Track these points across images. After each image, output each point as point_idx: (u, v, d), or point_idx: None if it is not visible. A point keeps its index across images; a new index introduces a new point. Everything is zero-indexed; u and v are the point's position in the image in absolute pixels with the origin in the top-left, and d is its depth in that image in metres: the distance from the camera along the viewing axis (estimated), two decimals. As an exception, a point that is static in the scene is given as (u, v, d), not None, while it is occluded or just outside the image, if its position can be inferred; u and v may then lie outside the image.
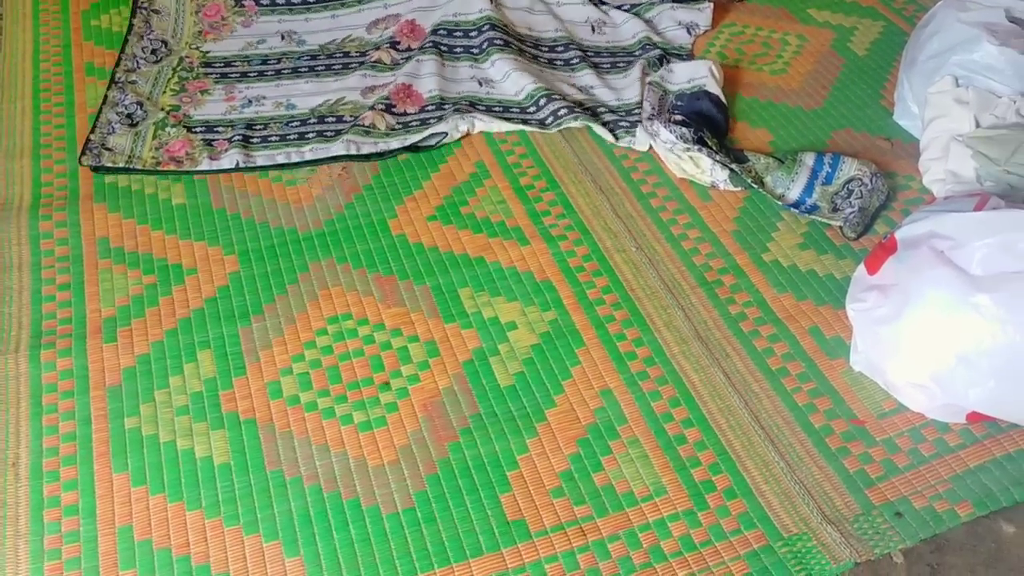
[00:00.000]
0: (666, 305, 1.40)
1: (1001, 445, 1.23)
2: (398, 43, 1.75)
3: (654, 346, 1.35)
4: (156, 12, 1.95)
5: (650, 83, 1.76)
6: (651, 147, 1.66)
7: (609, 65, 1.88)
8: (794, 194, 1.56)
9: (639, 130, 1.67)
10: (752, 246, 1.49)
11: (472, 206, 1.57)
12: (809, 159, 1.60)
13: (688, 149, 1.59)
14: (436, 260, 1.47)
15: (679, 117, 1.66)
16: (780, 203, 1.54)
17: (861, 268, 1.34)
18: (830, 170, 1.58)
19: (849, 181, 1.55)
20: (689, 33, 1.94)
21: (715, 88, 1.74)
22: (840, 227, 1.50)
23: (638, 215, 1.55)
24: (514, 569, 1.10)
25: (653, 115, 1.68)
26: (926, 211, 1.32)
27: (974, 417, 1.23)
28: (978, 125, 1.52)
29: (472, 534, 1.13)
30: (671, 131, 1.60)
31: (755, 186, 1.56)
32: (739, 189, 1.58)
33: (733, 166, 1.56)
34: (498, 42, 1.86)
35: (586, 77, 1.83)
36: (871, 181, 1.55)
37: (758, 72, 1.86)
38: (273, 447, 1.21)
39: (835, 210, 1.52)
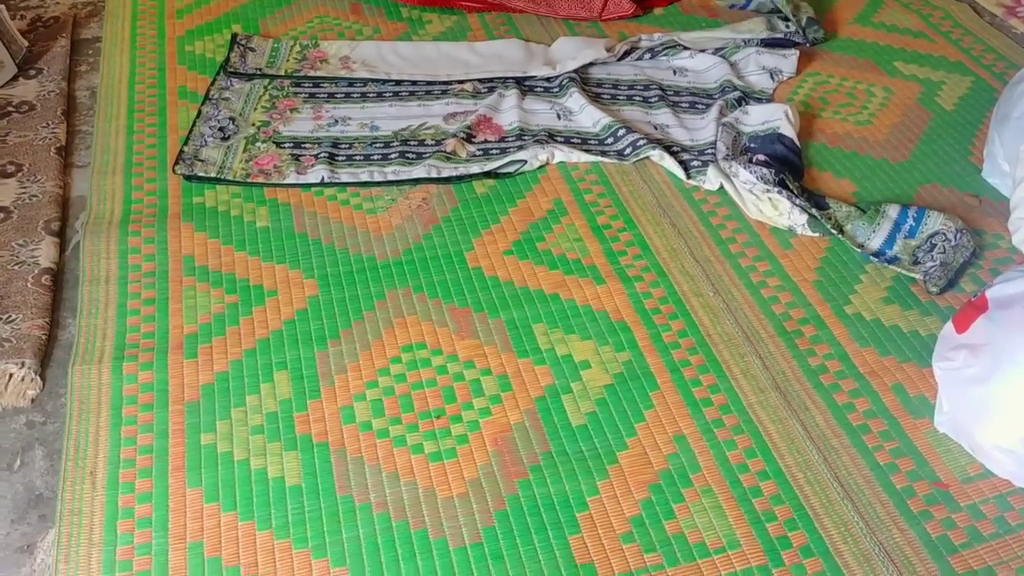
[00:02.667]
0: (743, 353, 1.38)
1: (1094, 519, 1.17)
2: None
3: (730, 394, 1.32)
4: (252, 50, 2.02)
5: (724, 124, 1.76)
6: (722, 186, 1.64)
7: (688, 105, 1.88)
8: (875, 244, 1.53)
9: (711, 168, 1.66)
10: (834, 297, 1.47)
11: (548, 242, 1.57)
12: (893, 211, 1.57)
13: (768, 191, 1.57)
14: (511, 294, 1.47)
15: (761, 157, 1.64)
16: (860, 251, 1.51)
17: (949, 326, 1.31)
18: (914, 223, 1.54)
19: (933, 235, 1.52)
20: (772, 79, 1.93)
21: (789, 131, 1.73)
22: (922, 281, 1.46)
23: (716, 259, 1.53)
24: (581, 613, 1.08)
25: (728, 155, 1.67)
26: (1019, 271, 1.28)
27: (1067, 488, 1.18)
28: (1075, 185, 1.48)
29: (539, 574, 1.11)
30: (751, 171, 1.59)
31: (834, 232, 1.53)
32: (818, 235, 1.56)
33: (813, 211, 1.54)
34: (576, 80, 1.89)
35: (663, 116, 1.84)
36: (955, 237, 1.51)
37: (843, 122, 1.83)
38: (344, 472, 1.22)
39: (916, 263, 1.49)
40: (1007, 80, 1.74)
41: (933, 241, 1.51)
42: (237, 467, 1.22)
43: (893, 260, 1.50)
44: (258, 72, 1.95)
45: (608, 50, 1.98)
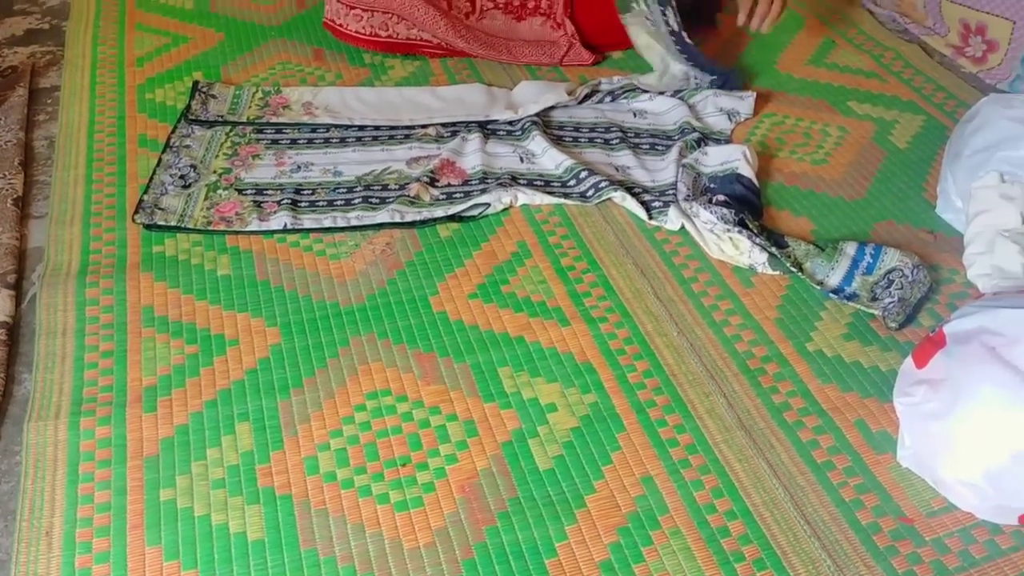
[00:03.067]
0: (708, 392, 1.38)
1: (1057, 550, 1.18)
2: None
3: (696, 433, 1.32)
4: (214, 97, 2.02)
5: (684, 165, 1.78)
6: (683, 226, 1.66)
7: (648, 146, 1.91)
8: (834, 281, 1.56)
9: (672, 209, 1.69)
10: (796, 335, 1.48)
11: (513, 285, 1.57)
12: (851, 248, 1.59)
13: (728, 230, 1.59)
14: (476, 338, 1.47)
15: (721, 198, 1.67)
16: (819, 288, 1.53)
17: (909, 361, 1.32)
18: (871, 260, 1.57)
19: (890, 271, 1.54)
20: (730, 120, 1.96)
21: (748, 171, 1.76)
22: (881, 316, 1.48)
23: (679, 299, 1.55)
24: (551, 663, 1.06)
25: (689, 196, 1.69)
26: (976, 306, 1.31)
27: (1029, 520, 1.19)
28: (1024, 221, 1.51)
29: (508, 624, 1.10)
30: (712, 212, 1.61)
31: (794, 270, 1.55)
32: (778, 273, 1.58)
33: (772, 249, 1.56)
34: (538, 123, 1.91)
35: (624, 157, 1.86)
36: (912, 273, 1.54)
37: (799, 161, 1.87)
38: (308, 524, 1.19)
39: (874, 299, 1.51)
40: (957, 118, 1.78)
41: (891, 277, 1.53)
42: (198, 523, 1.19)
43: (852, 297, 1.52)
44: (220, 119, 1.95)
45: (569, 94, 2.00)
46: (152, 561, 1.15)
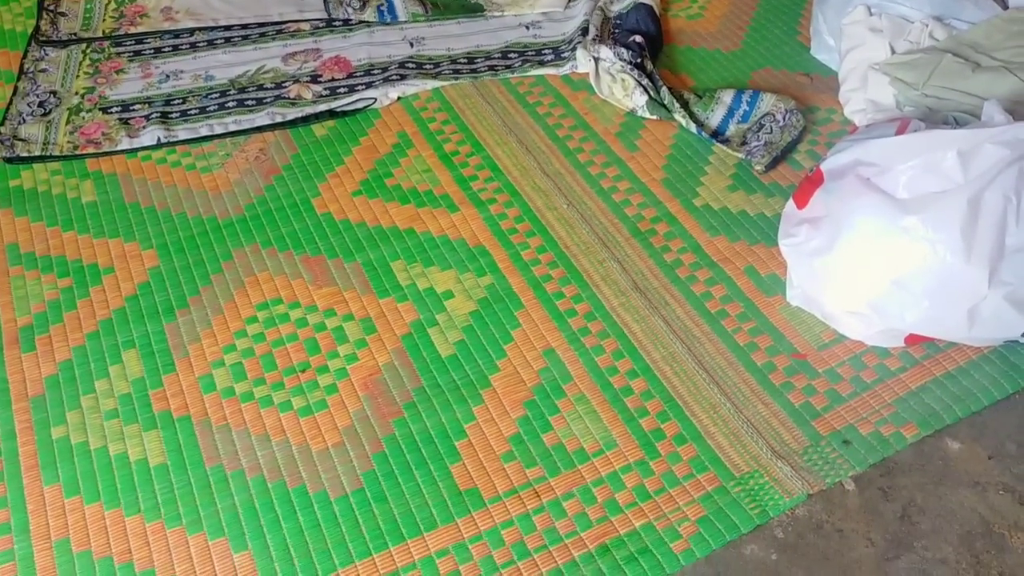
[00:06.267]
0: (602, 259, 1.38)
1: (940, 364, 1.24)
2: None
3: (593, 301, 1.33)
4: (63, 14, 1.87)
5: (596, 9, 1.79)
6: (593, 70, 1.66)
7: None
8: (712, 125, 1.57)
9: (579, 51, 1.68)
10: (682, 192, 1.48)
11: (397, 177, 1.53)
12: (727, 96, 1.60)
13: (623, 69, 1.59)
14: (365, 235, 1.43)
15: (631, 40, 1.67)
16: (699, 131, 1.53)
17: (790, 203, 1.34)
18: (747, 108, 1.58)
19: (763, 117, 1.56)
20: None
21: (648, 0, 1.78)
22: (746, 159, 1.49)
23: (567, 171, 1.53)
24: (470, 538, 1.08)
25: (596, 37, 1.69)
26: (849, 140, 1.32)
27: (912, 339, 1.24)
28: (893, 52, 1.52)
29: (425, 508, 1.11)
30: (613, 51, 1.62)
31: (672, 112, 1.57)
32: (655, 117, 1.58)
33: (651, 92, 1.56)
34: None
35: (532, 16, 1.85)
36: (784, 117, 1.55)
37: (674, 19, 1.84)
38: (211, 442, 1.17)
39: (743, 143, 1.52)
40: (826, -42, 1.77)
41: (762, 122, 1.54)
42: (96, 456, 1.16)
43: (725, 141, 1.54)
44: (74, 38, 1.82)
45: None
46: (52, 499, 1.12)
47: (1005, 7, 1.54)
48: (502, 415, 1.20)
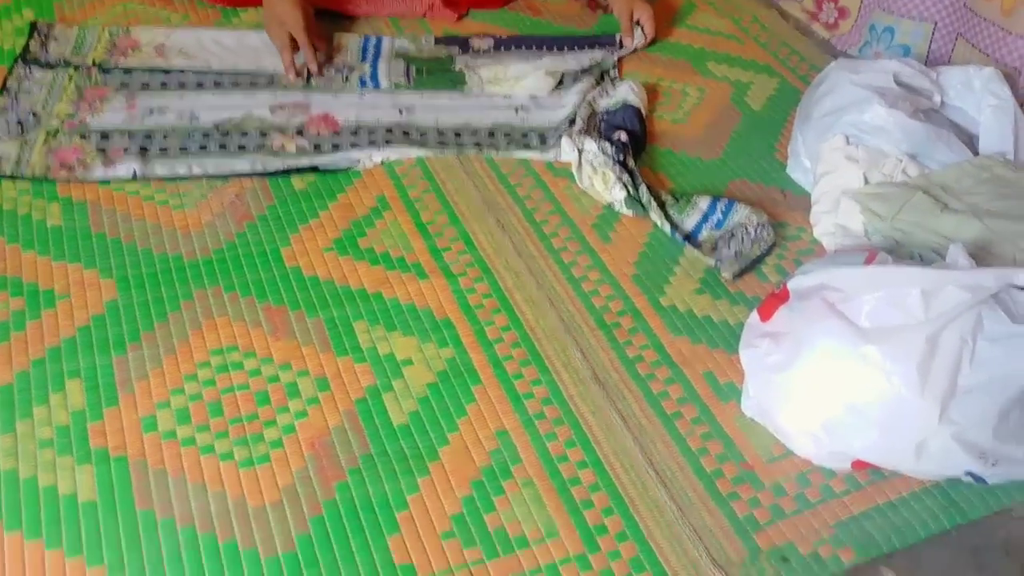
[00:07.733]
0: (565, 346, 1.39)
1: (883, 492, 1.25)
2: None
3: (552, 386, 1.33)
4: (55, 39, 1.87)
5: (586, 102, 1.83)
6: (576, 160, 1.69)
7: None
8: (686, 229, 1.60)
9: (565, 140, 1.71)
10: (650, 289, 1.50)
11: (371, 239, 1.53)
12: (703, 202, 1.64)
13: (605, 164, 1.63)
14: (331, 293, 1.42)
15: (615, 136, 1.71)
16: (673, 232, 1.57)
17: (754, 315, 1.36)
18: (721, 216, 1.61)
19: (735, 227, 1.59)
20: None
21: (636, 102, 1.83)
22: (716, 266, 1.52)
23: (540, 255, 1.54)
24: (399, 616, 1.05)
25: (583, 129, 1.73)
26: (818, 263, 1.36)
27: (859, 465, 1.26)
28: (867, 182, 1.58)
29: (356, 579, 1.08)
30: (598, 145, 1.66)
31: (648, 211, 1.60)
32: (631, 213, 1.61)
33: (630, 189, 1.60)
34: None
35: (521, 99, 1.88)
36: (755, 231, 1.58)
37: (659, 120, 1.89)
38: (145, 485, 1.13)
39: (714, 249, 1.56)
40: (810, 82, 1.84)
41: (734, 232, 1.58)
42: (23, 485, 1.12)
43: (697, 246, 1.57)
44: (62, 62, 1.81)
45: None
46: (-31, 527, 1.07)
47: (975, 153, 1.61)
48: (447, 491, 1.18)
